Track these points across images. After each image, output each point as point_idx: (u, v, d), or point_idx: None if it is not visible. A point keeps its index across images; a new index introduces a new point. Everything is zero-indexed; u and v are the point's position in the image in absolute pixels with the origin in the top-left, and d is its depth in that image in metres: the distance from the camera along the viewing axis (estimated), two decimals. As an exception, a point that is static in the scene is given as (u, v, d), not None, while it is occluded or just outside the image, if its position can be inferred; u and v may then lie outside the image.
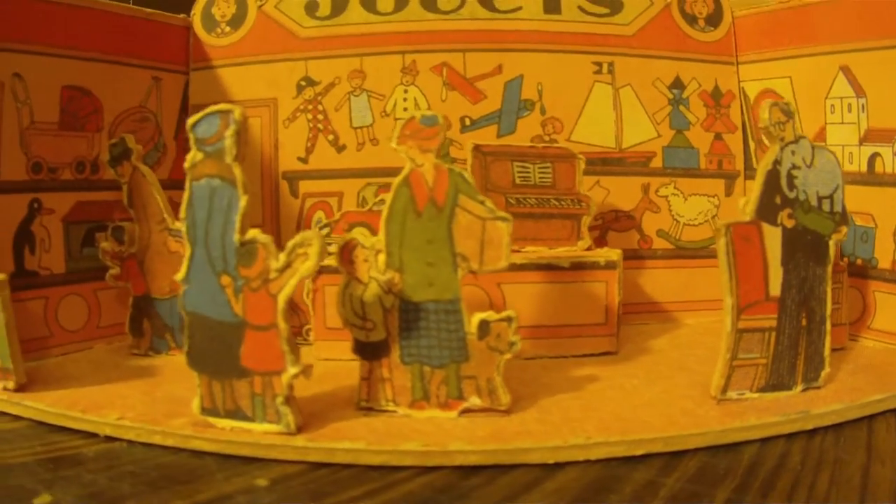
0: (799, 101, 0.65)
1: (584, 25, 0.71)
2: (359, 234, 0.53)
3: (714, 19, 0.71)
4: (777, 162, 0.47)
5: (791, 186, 0.47)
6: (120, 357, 0.65)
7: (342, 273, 0.48)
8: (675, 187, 0.70)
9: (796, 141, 0.48)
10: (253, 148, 0.73)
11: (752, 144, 0.70)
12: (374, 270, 0.48)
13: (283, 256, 0.44)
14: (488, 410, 0.46)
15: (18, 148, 0.64)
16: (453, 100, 0.71)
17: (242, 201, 0.45)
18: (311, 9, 0.73)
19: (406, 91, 0.71)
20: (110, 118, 0.70)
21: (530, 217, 0.64)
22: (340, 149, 0.72)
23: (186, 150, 0.74)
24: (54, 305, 0.65)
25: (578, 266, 0.60)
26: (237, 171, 0.46)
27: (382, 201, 0.66)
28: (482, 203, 0.46)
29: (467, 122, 0.71)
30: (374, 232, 0.63)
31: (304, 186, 0.72)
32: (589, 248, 0.64)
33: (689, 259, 0.70)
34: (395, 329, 0.47)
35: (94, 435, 0.48)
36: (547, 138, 0.70)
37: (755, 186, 0.47)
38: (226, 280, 0.45)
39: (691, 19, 0.71)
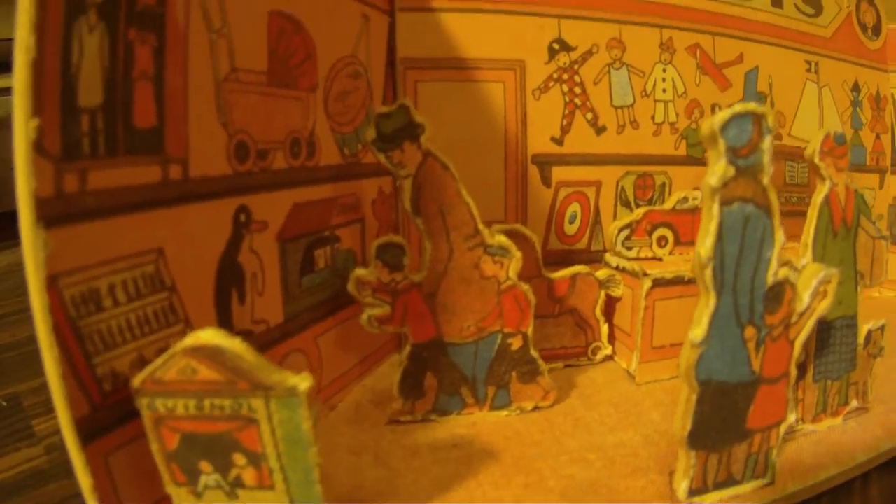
0: (940, 113, 0.54)
1: (798, 23, 0.49)
2: (790, 257, 0.30)
3: (877, 29, 0.55)
4: None
5: None
6: (387, 431, 0.30)
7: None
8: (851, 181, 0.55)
9: None
10: (495, 121, 0.40)
11: None
12: None
13: (807, 296, 0.25)
14: (858, 410, 0.34)
15: (215, 115, 0.23)
16: (705, 85, 0.44)
17: (780, 235, 0.24)
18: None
19: (664, 70, 0.43)
20: (324, 70, 0.30)
21: (792, 215, 0.44)
22: (600, 130, 0.41)
23: None
24: None
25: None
26: (774, 196, 0.24)
27: (685, 199, 0.41)
28: (873, 224, 0.33)
29: (716, 110, 0.47)
30: (677, 235, 0.39)
31: (558, 173, 0.40)
32: (830, 242, 0.47)
33: (853, 245, 0.57)
34: (812, 349, 0.32)
35: None
36: (774, 132, 0.50)
37: None
38: (749, 332, 0.24)
39: (864, 27, 0.54)
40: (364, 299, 0.29)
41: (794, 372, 0.26)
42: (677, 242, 0.38)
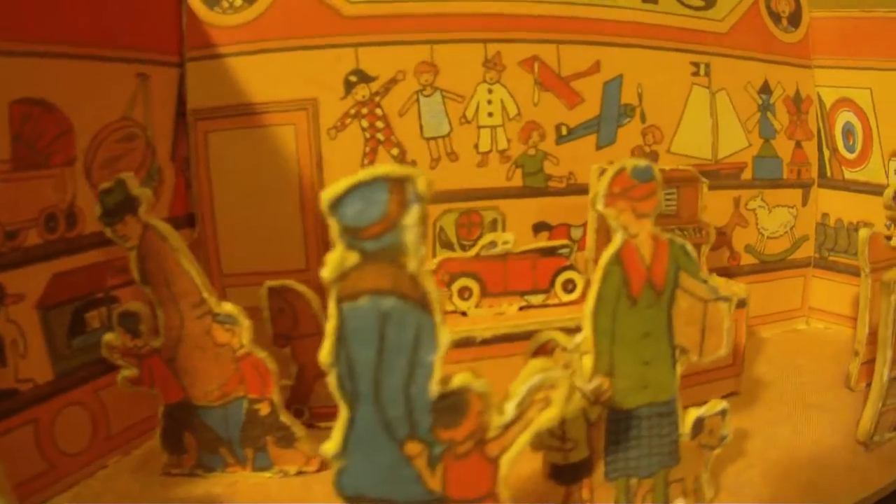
0: (878, 115, 0.50)
1: (681, 20, 0.48)
2: (558, 336, 0.30)
3: (795, 19, 0.52)
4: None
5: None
6: (156, 482, 0.35)
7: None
8: (761, 199, 0.52)
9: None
10: (288, 167, 0.43)
11: (826, 153, 0.54)
12: (577, 378, 0.28)
13: (512, 406, 0.23)
14: (691, 508, 0.31)
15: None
16: (547, 103, 0.45)
17: (443, 336, 0.22)
18: (360, -25, 0.42)
19: (490, 91, 0.45)
20: (85, 142, 0.36)
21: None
22: (409, 166, 0.44)
23: (188, 173, 0.42)
24: (48, 427, 0.34)
25: (710, 309, 0.42)
26: (430, 285, 0.21)
27: (493, 244, 0.42)
28: (705, 282, 0.29)
29: (563, 130, 0.46)
30: (483, 285, 0.40)
31: None
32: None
33: (769, 273, 0.53)
34: (601, 444, 0.30)
35: None
36: (647, 150, 0.49)
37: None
38: (413, 448, 0.23)
39: (776, 18, 0.51)
40: (116, 362, 0.35)
41: (504, 493, 0.24)
42: (485, 294, 0.39)
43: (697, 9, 0.49)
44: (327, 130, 0.42)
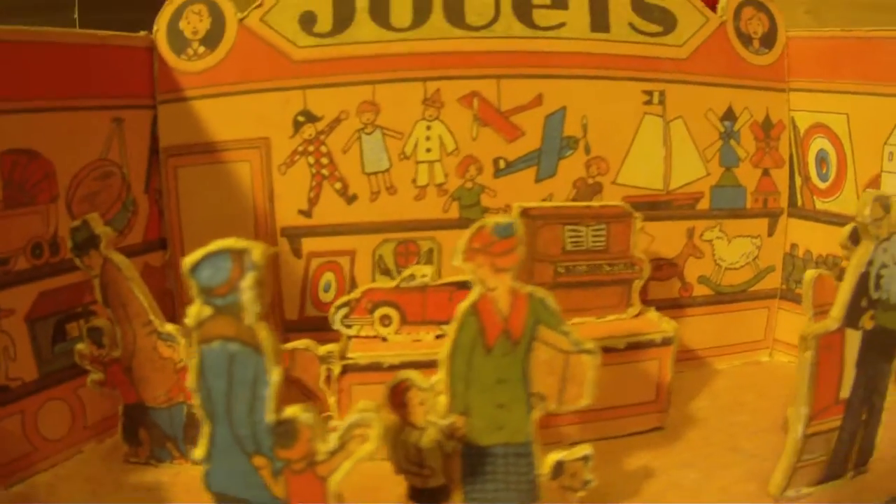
0: (854, 143, 0.47)
1: (634, 47, 0.47)
2: (413, 375, 0.34)
3: (769, 40, 0.49)
4: (870, 262, 0.35)
5: (877, 287, 0.35)
6: (118, 468, 0.43)
7: (394, 416, 0.33)
8: (719, 230, 0.51)
9: (889, 237, 0.35)
10: (244, 199, 0.49)
11: (798, 180, 0.51)
12: (432, 414, 0.32)
13: (334, 438, 0.28)
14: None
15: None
16: (485, 138, 0.47)
17: (274, 375, 0.27)
18: (307, 22, 0.44)
19: (429, 128, 0.47)
20: (66, 181, 0.43)
21: (579, 286, 0.45)
22: (350, 199, 0.47)
23: (160, 204, 0.47)
24: (33, 417, 0.42)
25: (634, 346, 0.42)
26: (263, 335, 0.26)
27: (412, 277, 0.45)
28: (566, 334, 0.31)
29: (502, 164, 0.48)
30: (403, 314, 0.43)
31: (309, 244, 0.47)
32: (638, 315, 0.46)
33: (727, 304, 0.52)
34: (458, 474, 0.33)
35: None
36: (591, 181, 0.49)
37: (844, 289, 0.35)
38: (260, 461, 0.29)
39: (747, 39, 0.49)
40: (85, 367, 0.42)
41: (341, 505, 0.28)
42: (404, 322, 0.43)
43: (654, 34, 0.48)
44: (278, 166, 0.47)
